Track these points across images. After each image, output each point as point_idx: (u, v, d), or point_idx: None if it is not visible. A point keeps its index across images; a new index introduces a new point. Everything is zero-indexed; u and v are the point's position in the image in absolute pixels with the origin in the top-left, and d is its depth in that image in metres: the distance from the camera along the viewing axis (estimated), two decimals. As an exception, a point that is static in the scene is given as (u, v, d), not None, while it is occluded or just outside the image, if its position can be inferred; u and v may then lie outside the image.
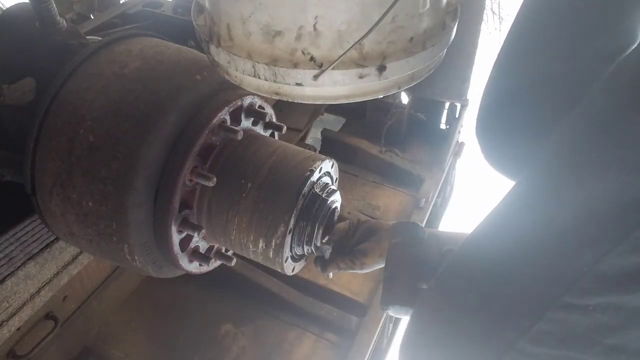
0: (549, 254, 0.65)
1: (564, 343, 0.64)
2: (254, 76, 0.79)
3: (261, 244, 1.05)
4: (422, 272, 1.05)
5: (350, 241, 1.23)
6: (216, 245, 1.21)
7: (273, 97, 0.83)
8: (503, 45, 1.31)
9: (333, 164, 1.15)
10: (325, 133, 2.79)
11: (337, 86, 0.77)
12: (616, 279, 0.58)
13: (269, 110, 1.19)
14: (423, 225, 1.82)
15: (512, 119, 1.26)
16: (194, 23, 0.88)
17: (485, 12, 2.36)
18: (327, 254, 1.21)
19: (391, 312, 1.08)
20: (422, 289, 1.06)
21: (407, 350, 0.87)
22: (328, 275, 1.23)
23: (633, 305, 0.59)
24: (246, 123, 1.15)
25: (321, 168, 1.09)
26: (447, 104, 2.74)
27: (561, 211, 0.64)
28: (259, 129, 1.20)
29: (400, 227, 1.14)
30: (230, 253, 1.23)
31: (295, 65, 0.76)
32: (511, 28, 1.29)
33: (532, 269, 0.67)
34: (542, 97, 1.21)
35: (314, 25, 0.73)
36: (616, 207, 0.58)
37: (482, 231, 0.81)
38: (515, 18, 1.28)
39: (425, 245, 1.10)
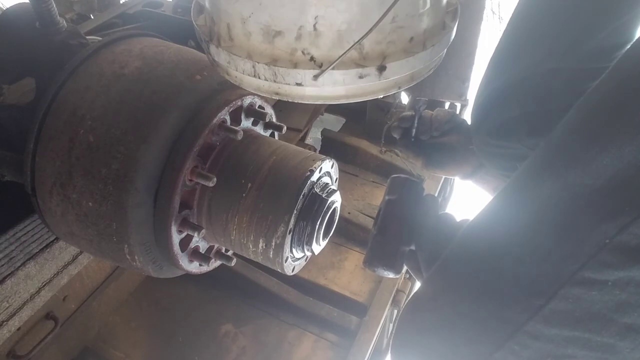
0: (565, 227, 0.62)
1: (579, 323, 0.61)
2: (254, 76, 0.79)
3: (261, 244, 1.05)
4: (412, 236, 0.99)
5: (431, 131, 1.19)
6: (216, 245, 1.21)
7: (273, 97, 0.83)
8: (499, 42, 1.31)
9: (333, 164, 1.15)
10: (325, 133, 2.78)
11: (337, 86, 0.77)
12: (638, 251, 0.56)
13: (269, 110, 1.19)
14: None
15: (507, 115, 1.25)
16: (194, 23, 0.88)
17: (485, 12, 2.36)
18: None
19: (375, 272, 1.03)
20: (408, 251, 1.00)
21: (401, 341, 0.84)
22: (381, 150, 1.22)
23: None
24: (246, 123, 1.15)
25: (321, 168, 1.09)
26: (447, 104, 2.74)
27: (579, 181, 0.61)
28: (259, 129, 1.20)
29: (397, 183, 1.06)
30: (230, 253, 1.22)
31: (295, 65, 0.76)
32: (507, 25, 1.29)
33: (546, 245, 0.64)
34: (537, 94, 1.20)
35: (314, 25, 0.73)
36: None
37: (489, 212, 0.77)
38: (512, 15, 1.27)
39: (421, 207, 1.03)
